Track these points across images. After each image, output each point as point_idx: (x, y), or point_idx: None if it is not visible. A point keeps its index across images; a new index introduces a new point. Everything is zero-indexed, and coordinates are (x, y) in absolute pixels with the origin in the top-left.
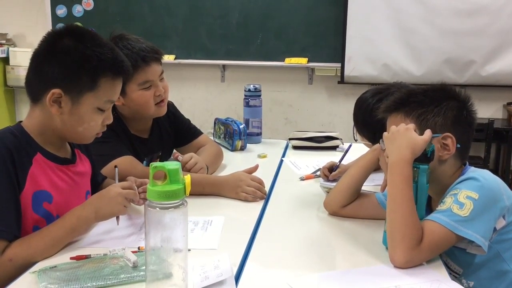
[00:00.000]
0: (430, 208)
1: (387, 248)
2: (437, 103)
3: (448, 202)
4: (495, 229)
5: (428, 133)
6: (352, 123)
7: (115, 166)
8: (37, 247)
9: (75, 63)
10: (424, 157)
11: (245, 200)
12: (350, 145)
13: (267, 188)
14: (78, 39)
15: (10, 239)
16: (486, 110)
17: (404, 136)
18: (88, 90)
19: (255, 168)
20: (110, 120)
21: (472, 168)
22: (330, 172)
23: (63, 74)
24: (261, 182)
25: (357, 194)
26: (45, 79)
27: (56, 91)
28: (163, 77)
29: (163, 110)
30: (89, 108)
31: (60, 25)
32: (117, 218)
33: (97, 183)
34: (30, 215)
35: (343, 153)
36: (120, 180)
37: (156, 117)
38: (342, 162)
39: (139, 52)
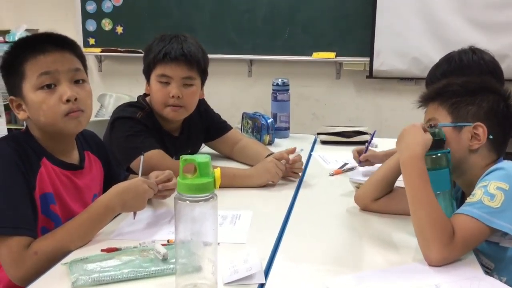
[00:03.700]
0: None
1: None
2: (472, 93)
3: (478, 194)
4: None
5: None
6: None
7: (142, 154)
8: (62, 239)
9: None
10: (441, 142)
11: (276, 181)
12: (375, 132)
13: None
14: None
15: (34, 237)
16: None
17: (410, 133)
18: (21, 80)
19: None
20: (66, 95)
21: (505, 161)
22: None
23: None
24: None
25: (390, 187)
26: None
27: (12, 98)
28: (192, 85)
29: (175, 115)
30: (29, 95)
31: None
32: (135, 213)
33: (117, 181)
34: (39, 216)
35: (373, 147)
36: (147, 173)
37: (170, 119)
38: (376, 150)
39: (169, 48)
